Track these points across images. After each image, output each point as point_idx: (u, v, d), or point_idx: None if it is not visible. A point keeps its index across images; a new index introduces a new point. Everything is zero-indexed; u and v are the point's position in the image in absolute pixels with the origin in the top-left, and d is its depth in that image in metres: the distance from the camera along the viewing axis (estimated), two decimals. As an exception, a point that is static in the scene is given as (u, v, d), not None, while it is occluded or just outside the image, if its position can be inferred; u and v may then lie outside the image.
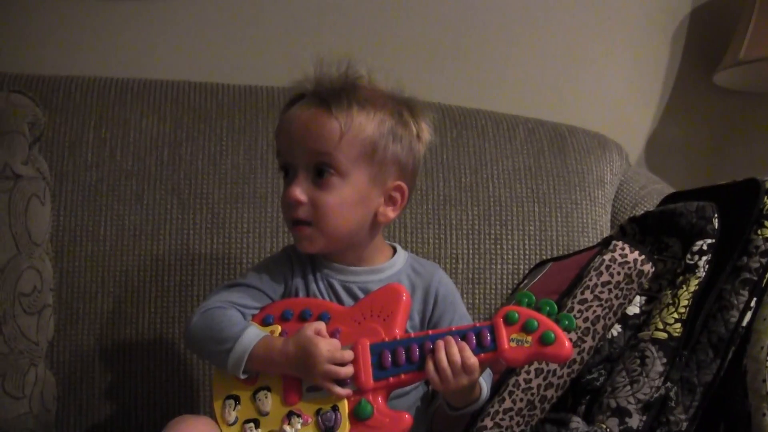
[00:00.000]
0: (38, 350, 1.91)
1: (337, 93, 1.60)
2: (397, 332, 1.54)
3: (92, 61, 2.47)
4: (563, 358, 1.47)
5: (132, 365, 2.06)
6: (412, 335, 1.54)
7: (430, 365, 1.48)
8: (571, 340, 1.53)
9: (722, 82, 2.79)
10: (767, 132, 2.84)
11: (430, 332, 1.53)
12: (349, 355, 1.51)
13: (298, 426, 1.50)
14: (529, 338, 1.45)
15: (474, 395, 1.59)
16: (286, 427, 1.51)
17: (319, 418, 1.50)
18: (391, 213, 1.68)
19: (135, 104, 2.23)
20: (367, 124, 1.60)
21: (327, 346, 1.50)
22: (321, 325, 1.54)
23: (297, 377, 1.54)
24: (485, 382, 1.62)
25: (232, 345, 1.54)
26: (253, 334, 1.55)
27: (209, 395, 2.01)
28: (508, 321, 1.47)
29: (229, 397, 1.58)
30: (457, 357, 1.47)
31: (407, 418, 1.50)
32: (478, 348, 1.48)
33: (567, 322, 1.48)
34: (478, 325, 1.51)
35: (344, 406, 1.50)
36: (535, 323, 1.46)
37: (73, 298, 2.06)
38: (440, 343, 1.48)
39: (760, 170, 1.92)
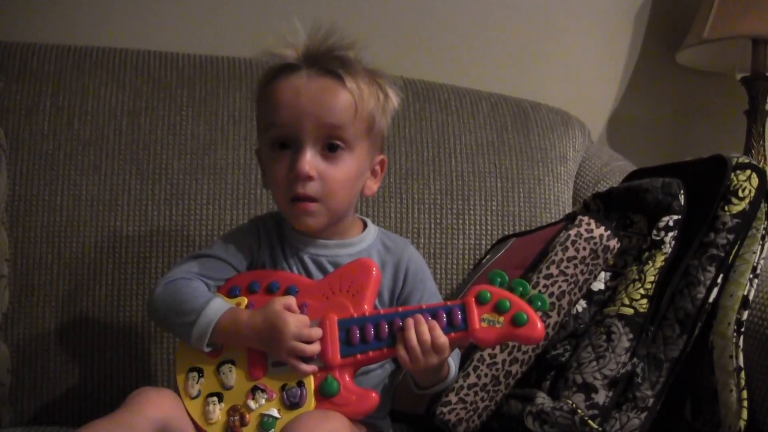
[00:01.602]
0: (-8, 321, 1.88)
1: (342, 63, 1.56)
2: (366, 308, 1.52)
3: (50, 28, 2.43)
4: (535, 339, 1.44)
5: (88, 338, 2.03)
6: (382, 312, 1.52)
7: (399, 344, 1.46)
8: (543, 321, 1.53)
9: (685, 60, 2.81)
10: (728, 111, 2.85)
11: (400, 309, 1.51)
12: (317, 332, 1.48)
13: (263, 401, 1.48)
14: (501, 319, 1.43)
15: (442, 374, 1.57)
16: (250, 402, 1.48)
17: (284, 394, 1.48)
18: (374, 185, 1.68)
19: (93, 72, 2.19)
20: (370, 97, 1.58)
21: (295, 322, 1.47)
22: (291, 300, 1.51)
23: (262, 352, 1.52)
24: (453, 362, 1.59)
25: (196, 317, 1.50)
26: (218, 306, 1.52)
27: (168, 369, 2.01)
28: (480, 300, 1.45)
29: (192, 370, 1.55)
30: (426, 336, 1.45)
31: (374, 396, 1.48)
32: (449, 327, 1.46)
33: (540, 303, 1.45)
34: (449, 303, 1.49)
35: (310, 382, 1.48)
36: (507, 303, 1.43)
37: (28, 269, 2.03)
38: (410, 322, 1.46)
39: (722, 149, 1.94)
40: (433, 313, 1.47)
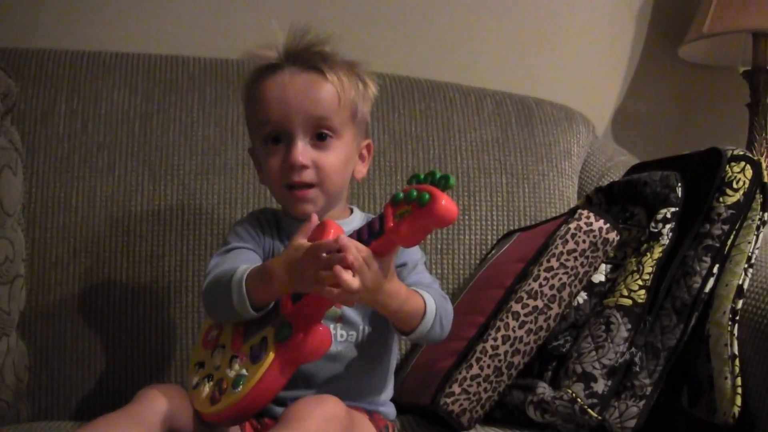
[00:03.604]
0: (10, 320, 1.92)
1: (321, 58, 1.65)
2: None
3: (64, 34, 2.46)
4: (442, 213, 1.32)
5: (103, 335, 2.06)
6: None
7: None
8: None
9: (687, 55, 2.82)
10: (731, 105, 2.86)
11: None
12: (339, 242, 1.39)
13: (237, 366, 1.50)
14: (409, 207, 1.35)
15: (414, 307, 1.53)
16: (227, 371, 1.51)
17: (251, 353, 1.50)
18: (363, 169, 1.76)
19: (107, 76, 2.23)
20: (350, 86, 1.67)
21: (309, 247, 1.44)
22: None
23: (243, 326, 1.56)
24: (431, 298, 1.56)
25: (228, 281, 1.53)
26: (242, 270, 1.53)
27: (181, 365, 2.04)
28: (393, 202, 1.39)
29: (197, 365, 1.60)
30: (358, 261, 1.39)
31: (322, 329, 1.47)
32: (369, 236, 1.43)
33: (444, 181, 1.34)
34: (373, 217, 1.47)
35: (270, 335, 1.49)
36: (414, 192, 1.34)
37: (44, 269, 2.06)
38: (337, 267, 1.38)
39: (724, 142, 1.95)
40: (358, 232, 1.46)
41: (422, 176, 1.38)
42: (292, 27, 1.68)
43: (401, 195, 1.38)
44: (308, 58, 1.65)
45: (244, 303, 1.51)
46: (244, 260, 1.63)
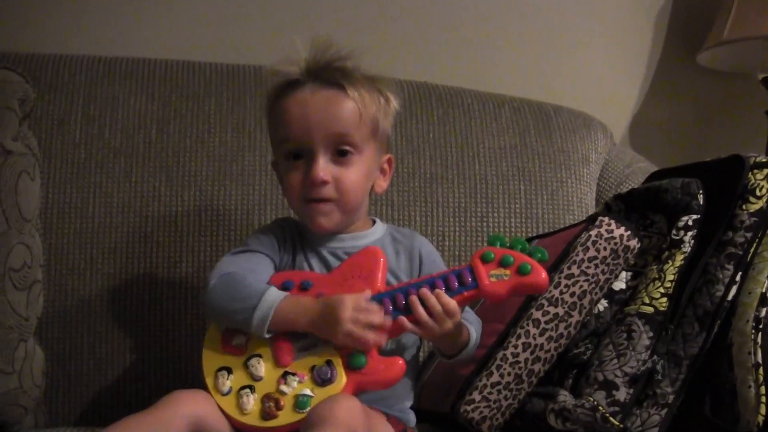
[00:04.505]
0: (28, 326, 1.91)
1: (343, 74, 1.67)
2: (380, 286, 1.60)
3: (81, 40, 2.46)
4: (541, 285, 1.56)
5: (120, 341, 2.06)
6: (396, 286, 1.60)
7: (417, 315, 1.54)
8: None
9: (705, 62, 2.81)
10: (750, 111, 2.85)
11: (413, 281, 1.60)
12: (374, 309, 1.54)
13: (295, 384, 1.53)
14: (508, 271, 1.55)
15: (463, 339, 1.64)
16: (283, 387, 1.53)
17: (315, 374, 1.53)
18: (384, 183, 1.78)
19: (123, 82, 2.22)
20: (371, 102, 1.68)
21: (353, 305, 1.54)
22: (361, 298, 1.56)
23: (288, 341, 1.58)
24: (474, 328, 1.67)
25: (257, 301, 1.56)
26: (277, 293, 1.58)
27: (197, 370, 2.03)
28: (485, 260, 1.57)
29: (220, 369, 1.59)
30: (437, 308, 1.54)
31: (401, 362, 1.54)
32: (461, 287, 1.56)
33: (540, 255, 1.57)
34: (456, 268, 1.59)
35: (338, 360, 1.54)
36: (511, 258, 1.55)
37: (61, 275, 2.06)
38: (415, 299, 1.55)
39: (743, 149, 1.93)
40: (444, 279, 1.57)
41: (510, 241, 1.60)
42: (313, 43, 1.69)
43: (492, 255, 1.58)
44: (329, 74, 1.67)
45: (263, 325, 1.56)
46: (255, 264, 1.67)
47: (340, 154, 1.65)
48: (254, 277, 1.63)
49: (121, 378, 2.05)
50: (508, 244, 1.59)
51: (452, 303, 1.54)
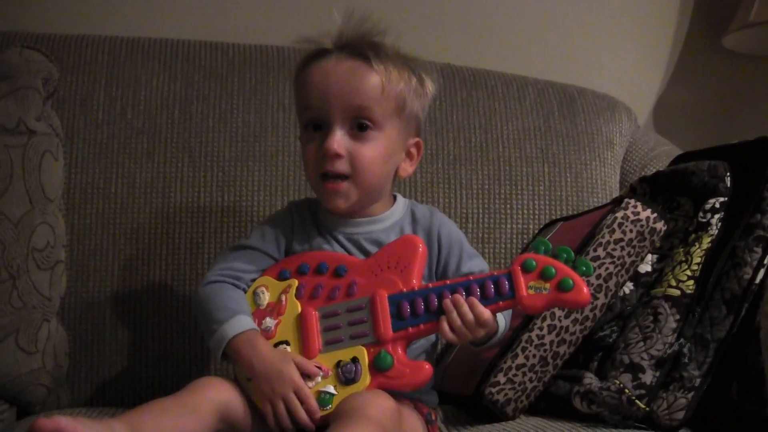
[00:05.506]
0: (51, 306, 1.91)
1: (371, 47, 1.62)
2: (415, 283, 1.54)
3: (102, 20, 2.46)
4: (582, 303, 1.47)
5: (143, 322, 2.06)
6: (430, 285, 1.54)
7: (444, 325, 1.49)
8: (589, 285, 1.57)
9: (731, 44, 2.79)
10: (775, 95, 2.84)
11: (448, 282, 1.53)
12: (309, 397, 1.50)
13: (318, 378, 1.50)
14: (548, 285, 1.46)
15: (491, 330, 1.56)
16: (307, 381, 1.51)
17: (339, 370, 1.50)
18: (410, 168, 1.73)
19: (145, 63, 2.22)
20: (399, 79, 1.62)
21: (298, 378, 1.51)
22: (306, 362, 1.53)
23: (316, 331, 1.56)
24: (503, 316, 1.60)
25: (217, 327, 1.56)
26: (240, 324, 1.57)
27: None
28: (526, 269, 1.48)
29: None
30: (470, 316, 1.47)
31: (428, 368, 1.50)
32: (497, 296, 1.48)
33: (584, 268, 1.47)
34: (495, 273, 1.51)
35: (364, 358, 1.50)
36: (553, 270, 1.46)
37: (84, 255, 2.06)
38: (450, 305, 1.49)
39: (768, 133, 1.93)
40: (480, 284, 1.50)
41: (554, 249, 1.50)
42: (349, 15, 1.65)
43: (534, 264, 1.48)
44: (358, 45, 1.62)
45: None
46: (248, 263, 1.67)
47: (360, 128, 1.60)
48: (234, 297, 1.62)
49: (143, 358, 2.05)
50: (552, 252, 1.50)
51: (486, 313, 1.48)
